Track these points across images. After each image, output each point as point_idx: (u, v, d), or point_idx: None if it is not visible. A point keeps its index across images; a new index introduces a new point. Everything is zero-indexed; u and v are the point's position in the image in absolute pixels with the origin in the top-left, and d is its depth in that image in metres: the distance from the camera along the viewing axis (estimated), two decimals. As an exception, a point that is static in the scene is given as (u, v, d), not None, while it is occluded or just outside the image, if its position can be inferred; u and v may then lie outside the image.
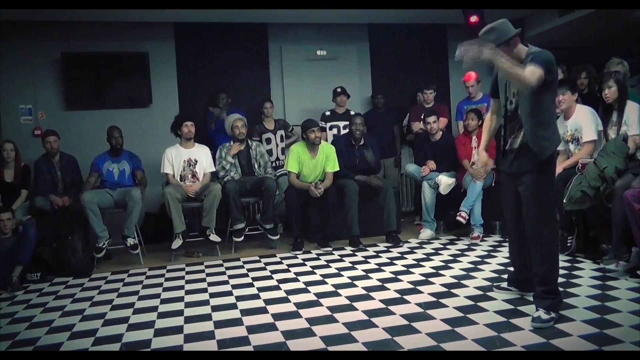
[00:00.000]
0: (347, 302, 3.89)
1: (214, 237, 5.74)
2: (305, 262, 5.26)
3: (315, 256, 5.52)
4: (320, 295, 4.09)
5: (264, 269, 5.09)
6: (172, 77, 7.23)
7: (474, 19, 6.94)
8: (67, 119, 6.75)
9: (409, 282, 4.32)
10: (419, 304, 3.73)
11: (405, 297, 3.93)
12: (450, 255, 5.23)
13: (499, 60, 3.13)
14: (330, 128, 7.00)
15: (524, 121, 3.31)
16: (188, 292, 4.38)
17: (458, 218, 5.78)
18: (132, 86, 7.02)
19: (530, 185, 3.34)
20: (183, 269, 5.24)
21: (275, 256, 5.60)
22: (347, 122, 6.80)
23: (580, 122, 4.85)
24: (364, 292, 4.12)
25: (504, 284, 3.90)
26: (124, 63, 6.95)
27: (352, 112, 6.93)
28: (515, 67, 3.12)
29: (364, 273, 4.71)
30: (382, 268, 4.86)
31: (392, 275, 4.58)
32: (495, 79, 3.56)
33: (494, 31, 3.27)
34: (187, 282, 4.75)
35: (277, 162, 6.74)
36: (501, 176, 3.85)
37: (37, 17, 6.35)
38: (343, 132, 6.87)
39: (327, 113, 7.05)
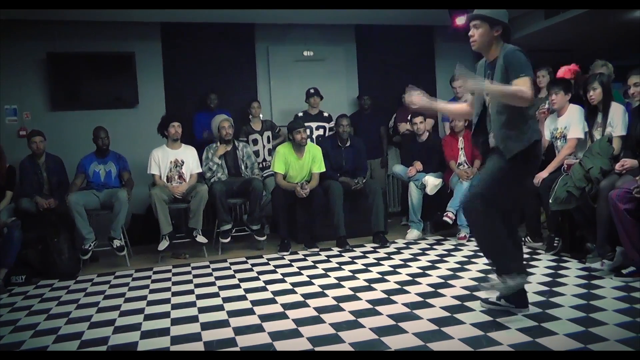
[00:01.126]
0: (334, 302, 3.89)
1: (201, 239, 5.72)
2: (292, 263, 5.26)
3: (302, 257, 5.52)
4: (307, 296, 4.09)
5: (250, 270, 5.08)
6: (159, 78, 7.20)
7: (460, 20, 6.97)
8: (53, 119, 6.70)
9: (396, 283, 4.33)
10: (405, 304, 3.74)
11: (392, 297, 3.94)
12: (437, 256, 5.25)
13: (486, 87, 3.14)
14: None
15: (492, 119, 3.29)
16: (175, 294, 4.36)
17: (445, 218, 5.81)
18: (118, 86, 6.98)
19: (488, 165, 3.30)
20: (170, 271, 5.22)
21: (262, 257, 5.59)
22: (320, 123, 6.87)
23: (570, 120, 4.91)
24: (350, 292, 4.13)
25: (493, 298, 3.55)
26: (111, 63, 6.90)
27: (325, 114, 6.97)
28: (504, 87, 3.08)
29: (351, 274, 4.72)
30: (369, 268, 4.87)
31: (379, 276, 4.58)
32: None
33: (490, 9, 3.28)
34: (174, 283, 4.73)
35: (264, 163, 6.73)
36: None
37: (23, 17, 6.29)
38: (316, 132, 6.89)
39: (300, 114, 7.03)
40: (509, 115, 3.19)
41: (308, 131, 6.92)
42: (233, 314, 3.75)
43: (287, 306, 3.85)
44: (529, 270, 4.41)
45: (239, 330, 3.40)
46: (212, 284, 4.64)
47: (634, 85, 4.28)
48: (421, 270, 4.69)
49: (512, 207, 3.47)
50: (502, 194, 3.26)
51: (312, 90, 6.98)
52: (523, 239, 5.37)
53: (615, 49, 9.42)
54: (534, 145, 3.20)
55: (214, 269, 5.18)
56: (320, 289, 4.27)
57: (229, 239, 5.87)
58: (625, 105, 4.83)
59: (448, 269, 4.68)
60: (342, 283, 4.41)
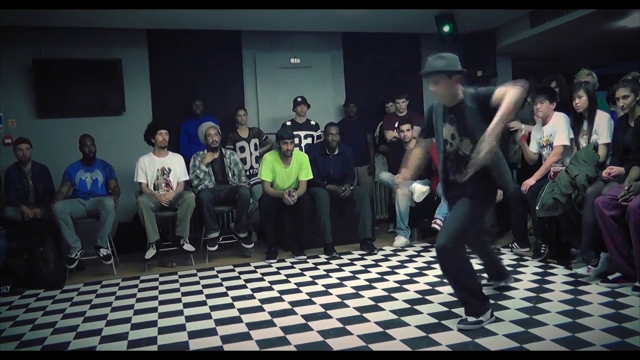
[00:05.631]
0: (322, 310, 3.88)
1: (188, 247, 5.69)
2: (280, 271, 5.25)
3: (290, 264, 5.51)
4: (295, 303, 4.09)
5: (238, 278, 5.07)
6: (146, 85, 7.18)
7: (446, 29, 7.03)
8: (39, 127, 6.64)
9: (383, 290, 4.33)
10: (393, 311, 3.75)
11: (379, 304, 3.94)
12: (424, 262, 5.26)
13: (492, 134, 3.00)
14: None
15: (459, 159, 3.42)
16: (162, 303, 4.34)
17: (433, 225, 5.80)
18: (104, 93, 6.95)
19: (462, 203, 3.41)
20: (157, 279, 5.19)
21: (250, 265, 5.58)
22: (308, 132, 6.85)
23: (556, 127, 4.95)
24: (338, 299, 4.12)
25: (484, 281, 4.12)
26: (97, 70, 6.88)
27: (312, 122, 6.96)
28: (500, 115, 3.02)
29: (339, 281, 4.71)
30: (357, 276, 4.87)
31: (367, 283, 4.58)
32: (430, 118, 3.59)
33: (443, 59, 3.28)
34: (161, 292, 4.70)
35: (251, 171, 6.71)
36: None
37: (8, 22, 6.24)
38: (304, 141, 6.88)
39: (288, 123, 6.98)
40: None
41: (296, 140, 6.92)
42: (220, 322, 3.74)
43: (274, 314, 3.84)
44: (515, 276, 4.45)
45: (226, 339, 3.39)
46: (200, 292, 4.61)
47: (623, 98, 4.30)
48: (408, 277, 4.70)
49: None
50: (470, 228, 3.45)
51: (299, 99, 6.96)
52: (510, 245, 5.41)
53: (599, 58, 9.54)
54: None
55: (201, 277, 5.16)
56: (307, 297, 4.26)
57: (216, 247, 5.85)
58: (610, 114, 4.89)
59: (435, 276, 4.68)
60: (329, 290, 4.41)
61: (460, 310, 3.64)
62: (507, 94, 3.05)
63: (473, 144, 3.22)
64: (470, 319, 3.32)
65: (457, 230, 3.34)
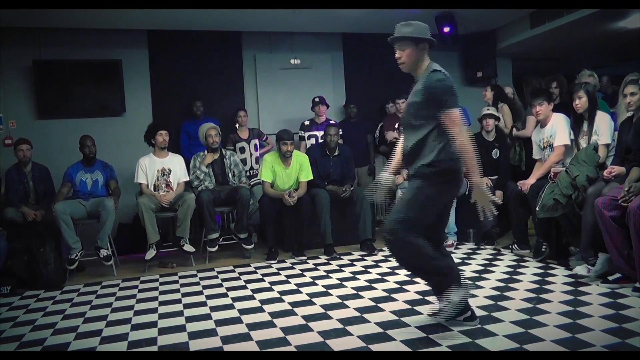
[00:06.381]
0: (322, 310, 3.88)
1: (188, 248, 5.69)
2: (280, 272, 5.25)
3: (290, 265, 5.51)
4: (295, 304, 4.08)
5: (238, 278, 5.06)
6: (146, 85, 7.19)
7: (447, 29, 7.04)
8: (39, 127, 6.66)
9: (384, 290, 4.33)
10: (393, 312, 3.74)
11: (380, 304, 3.94)
12: (424, 263, 5.25)
13: (481, 181, 3.07)
14: (309, 138, 6.99)
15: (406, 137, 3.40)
16: (162, 303, 4.33)
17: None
18: (105, 94, 6.95)
19: (407, 191, 3.29)
20: (157, 280, 5.19)
21: (250, 266, 5.58)
22: None
23: (556, 128, 4.96)
24: (338, 300, 4.12)
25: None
26: (97, 71, 6.89)
27: (332, 121, 6.96)
28: (472, 159, 3.04)
29: (339, 281, 4.71)
30: (357, 276, 4.86)
31: (367, 284, 4.58)
32: None
33: (411, 26, 3.21)
34: (161, 293, 4.70)
35: (252, 172, 6.72)
36: None
37: (8, 24, 6.26)
38: (321, 141, 6.88)
39: (307, 122, 7.03)
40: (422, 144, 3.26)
41: (313, 140, 6.92)
42: (220, 323, 3.73)
43: (274, 315, 3.84)
44: (515, 277, 4.45)
45: (227, 339, 3.38)
46: (200, 293, 4.61)
47: (630, 95, 4.25)
48: (408, 278, 4.69)
49: (437, 221, 3.38)
50: (421, 215, 3.18)
51: (317, 99, 6.98)
52: (510, 246, 5.40)
53: (599, 59, 9.53)
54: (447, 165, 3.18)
55: (201, 278, 5.16)
56: (307, 297, 4.26)
57: (216, 248, 5.85)
58: (610, 115, 4.88)
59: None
60: (329, 291, 4.40)
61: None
62: (466, 142, 3.02)
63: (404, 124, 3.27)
64: (442, 304, 3.15)
65: (400, 213, 3.20)
